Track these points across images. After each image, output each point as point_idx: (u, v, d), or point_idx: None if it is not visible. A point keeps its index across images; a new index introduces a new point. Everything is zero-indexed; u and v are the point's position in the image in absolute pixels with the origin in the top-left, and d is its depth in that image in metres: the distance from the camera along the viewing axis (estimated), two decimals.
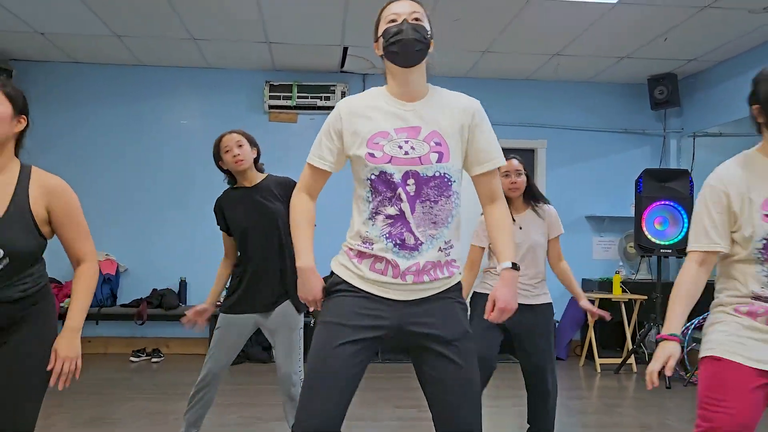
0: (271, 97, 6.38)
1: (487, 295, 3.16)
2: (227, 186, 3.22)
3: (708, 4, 4.61)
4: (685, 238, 5.56)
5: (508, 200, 3.35)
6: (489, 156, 2.05)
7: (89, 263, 2.18)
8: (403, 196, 1.92)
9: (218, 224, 3.21)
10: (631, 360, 5.87)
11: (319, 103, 6.40)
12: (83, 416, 4.17)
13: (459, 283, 2.07)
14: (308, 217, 2.08)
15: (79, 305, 2.12)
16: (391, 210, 1.94)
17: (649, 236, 5.60)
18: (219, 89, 6.50)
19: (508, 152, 7.18)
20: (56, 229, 2.14)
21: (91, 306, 5.99)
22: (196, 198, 6.20)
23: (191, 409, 3.16)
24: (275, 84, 6.38)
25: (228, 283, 3.23)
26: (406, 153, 1.93)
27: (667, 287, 6.10)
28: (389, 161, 1.92)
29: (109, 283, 6.09)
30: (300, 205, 2.09)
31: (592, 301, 5.95)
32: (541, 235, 3.39)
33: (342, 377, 1.89)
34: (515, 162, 3.35)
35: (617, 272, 6.09)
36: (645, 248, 5.61)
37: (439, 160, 1.94)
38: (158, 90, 6.47)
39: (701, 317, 5.55)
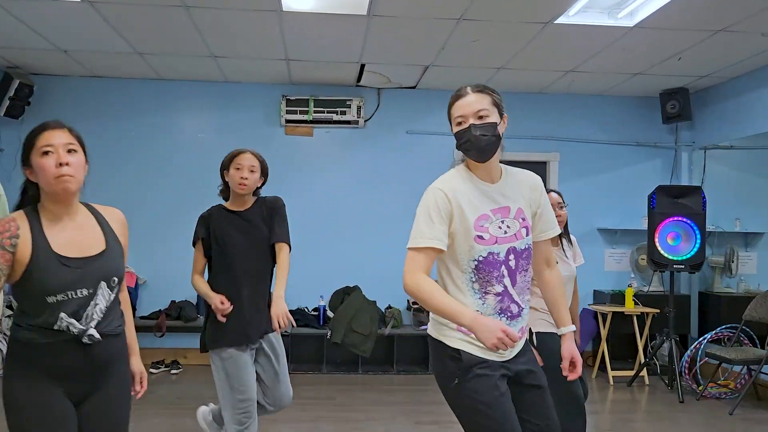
0: (287, 111, 6.46)
1: (549, 333, 3.15)
2: (219, 193, 3.28)
3: (722, 27, 4.68)
4: (698, 254, 5.66)
5: None
6: (550, 225, 2.32)
7: (126, 291, 2.32)
8: (505, 272, 2.14)
9: (195, 230, 3.20)
10: (644, 372, 5.97)
11: (335, 117, 6.48)
12: None
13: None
14: (438, 287, 2.12)
15: (134, 331, 2.35)
16: (498, 287, 2.15)
17: (663, 252, 5.68)
18: (236, 103, 6.59)
19: (520, 165, 7.31)
20: None
21: None
22: None
23: None
24: (292, 98, 6.47)
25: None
26: (505, 232, 2.16)
27: (681, 300, 6.17)
28: (495, 242, 2.13)
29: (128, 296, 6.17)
30: (427, 282, 2.09)
31: (605, 315, 6.07)
32: (572, 266, 3.45)
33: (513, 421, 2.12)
34: (556, 195, 3.37)
35: (630, 285, 6.18)
36: (658, 264, 5.70)
37: (527, 234, 2.22)
38: (176, 103, 6.55)
39: (714, 332, 5.65)
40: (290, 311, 6.85)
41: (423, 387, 5.67)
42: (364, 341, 6.07)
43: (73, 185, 2.00)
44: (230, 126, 6.57)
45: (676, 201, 5.75)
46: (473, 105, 2.14)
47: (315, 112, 6.47)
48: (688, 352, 5.65)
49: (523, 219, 2.20)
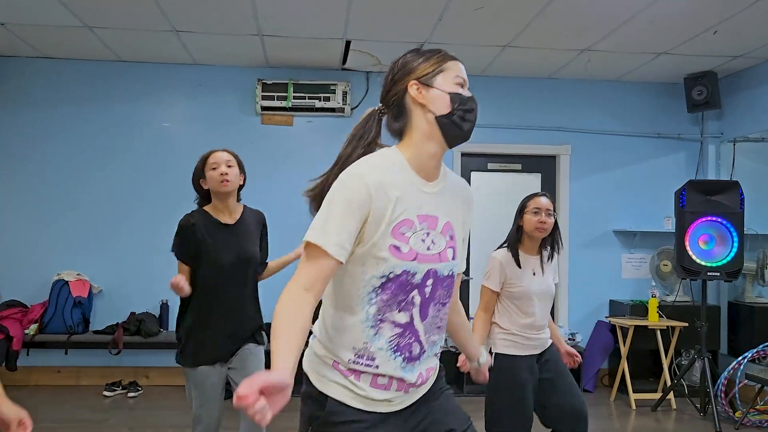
0: (263, 98, 5.70)
1: (514, 356, 2.96)
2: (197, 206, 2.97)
3: None
4: (735, 260, 4.92)
5: (530, 240, 3.06)
6: (463, 258, 1.79)
7: None
8: (417, 300, 1.61)
9: (180, 247, 2.85)
10: (670, 395, 5.21)
11: (318, 104, 5.72)
12: None
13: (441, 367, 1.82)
14: (304, 327, 1.42)
15: None
16: (402, 318, 1.60)
17: (694, 257, 4.92)
18: (206, 88, 5.82)
19: (527, 159, 6.46)
20: None
21: (61, 333, 5.37)
22: (180, 211, 5.50)
23: None
24: (268, 83, 5.70)
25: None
26: (428, 248, 1.61)
27: (710, 312, 5.40)
28: (414, 258, 1.57)
29: (80, 307, 5.39)
30: (293, 308, 1.44)
31: (625, 329, 5.32)
32: (553, 280, 3.12)
33: None
34: (546, 200, 3.04)
35: (653, 295, 5.42)
36: (689, 270, 4.92)
37: (453, 258, 1.68)
38: (139, 89, 5.78)
39: (756, 350, 4.89)
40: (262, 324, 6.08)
41: None
42: None
43: None
44: (199, 114, 5.81)
45: (709, 198, 5.00)
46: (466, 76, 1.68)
47: (295, 98, 5.70)
48: (725, 372, 4.89)
49: (451, 237, 1.68)
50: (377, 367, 1.58)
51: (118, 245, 5.65)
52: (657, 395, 5.25)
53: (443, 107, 1.59)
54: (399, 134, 1.65)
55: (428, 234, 1.60)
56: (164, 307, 5.59)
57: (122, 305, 5.59)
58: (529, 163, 6.16)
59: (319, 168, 5.82)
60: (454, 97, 1.59)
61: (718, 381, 4.86)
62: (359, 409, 1.59)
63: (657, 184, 5.99)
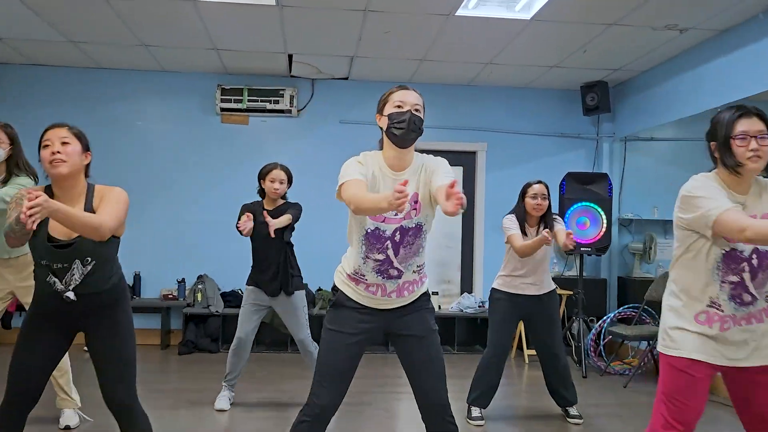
0: (222, 100, 6.70)
1: (503, 291, 4.13)
2: (258, 192, 4.40)
3: (613, 21, 4.96)
4: (604, 238, 5.94)
5: (529, 217, 3.99)
6: (445, 178, 2.33)
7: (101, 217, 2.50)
8: (389, 245, 2.42)
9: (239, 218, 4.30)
10: None
11: (269, 106, 6.72)
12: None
13: (426, 292, 2.61)
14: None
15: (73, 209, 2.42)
16: (379, 256, 2.44)
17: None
18: (173, 92, 6.82)
19: (450, 154, 7.61)
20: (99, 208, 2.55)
21: None
22: (150, 197, 6.52)
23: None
24: (227, 87, 6.71)
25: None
26: (396, 214, 2.34)
27: (597, 283, 6.41)
28: (383, 221, 2.40)
29: None
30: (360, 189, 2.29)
31: None
32: (549, 248, 4.09)
33: (344, 369, 2.48)
34: (541, 186, 4.13)
35: None
36: None
37: (417, 214, 2.42)
38: (116, 92, 6.77)
39: (616, 311, 5.93)
40: (224, 293, 7.14)
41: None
42: None
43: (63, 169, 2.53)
44: (168, 114, 6.81)
45: (584, 187, 6.03)
46: (414, 98, 2.42)
47: (249, 100, 6.71)
48: (593, 330, 5.93)
49: (415, 202, 2.39)
50: (366, 279, 2.47)
51: None
52: None
53: (385, 125, 2.41)
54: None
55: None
56: (137, 277, 6.59)
57: None
58: (452, 158, 6.91)
59: (270, 158, 6.79)
60: (390, 116, 2.37)
61: (588, 338, 5.91)
62: (356, 301, 2.50)
63: (560, 175, 6.95)
